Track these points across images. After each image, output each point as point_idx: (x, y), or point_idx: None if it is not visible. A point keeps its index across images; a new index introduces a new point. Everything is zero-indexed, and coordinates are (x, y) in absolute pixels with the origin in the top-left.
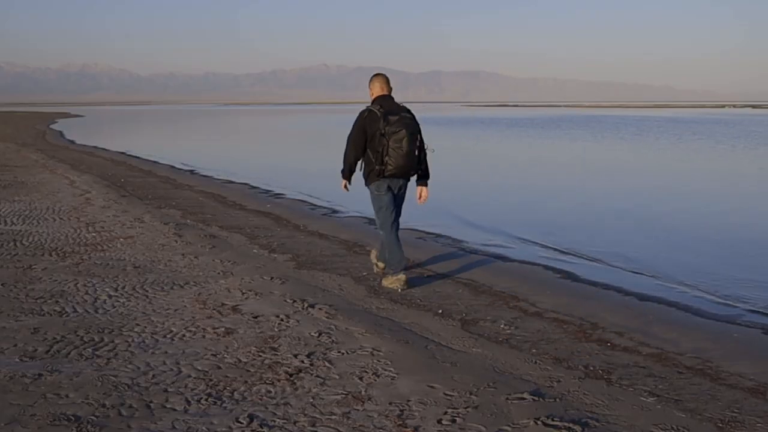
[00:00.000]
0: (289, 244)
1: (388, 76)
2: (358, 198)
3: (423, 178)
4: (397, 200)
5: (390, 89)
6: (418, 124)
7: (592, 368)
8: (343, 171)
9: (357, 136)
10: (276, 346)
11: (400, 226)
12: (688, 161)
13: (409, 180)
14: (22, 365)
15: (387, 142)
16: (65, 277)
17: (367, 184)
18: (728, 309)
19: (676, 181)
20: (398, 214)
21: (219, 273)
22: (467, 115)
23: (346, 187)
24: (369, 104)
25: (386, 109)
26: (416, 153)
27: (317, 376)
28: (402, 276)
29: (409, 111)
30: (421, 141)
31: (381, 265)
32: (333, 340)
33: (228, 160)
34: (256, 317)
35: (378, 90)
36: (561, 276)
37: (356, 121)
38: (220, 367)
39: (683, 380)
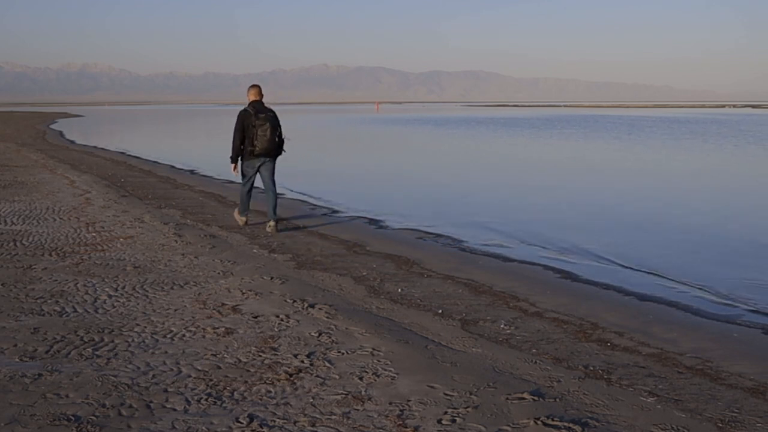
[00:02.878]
0: (289, 244)
1: (260, 85)
2: (358, 198)
3: (277, 156)
4: (266, 173)
5: (261, 96)
6: (278, 121)
7: (592, 368)
8: (231, 157)
9: (238, 128)
10: (276, 346)
11: (277, 192)
12: (677, 160)
13: (272, 158)
14: (22, 365)
15: (256, 131)
16: (65, 277)
17: (242, 160)
18: (728, 309)
19: (671, 181)
20: (273, 181)
21: (219, 273)
22: (465, 115)
23: (235, 169)
24: (246, 105)
25: (257, 109)
26: (276, 140)
27: (317, 376)
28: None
29: (272, 111)
30: (280, 132)
31: (242, 218)
32: (333, 340)
33: (227, 160)
34: (256, 317)
35: (252, 96)
36: (561, 276)
37: (237, 118)
38: (220, 367)
39: (683, 380)
